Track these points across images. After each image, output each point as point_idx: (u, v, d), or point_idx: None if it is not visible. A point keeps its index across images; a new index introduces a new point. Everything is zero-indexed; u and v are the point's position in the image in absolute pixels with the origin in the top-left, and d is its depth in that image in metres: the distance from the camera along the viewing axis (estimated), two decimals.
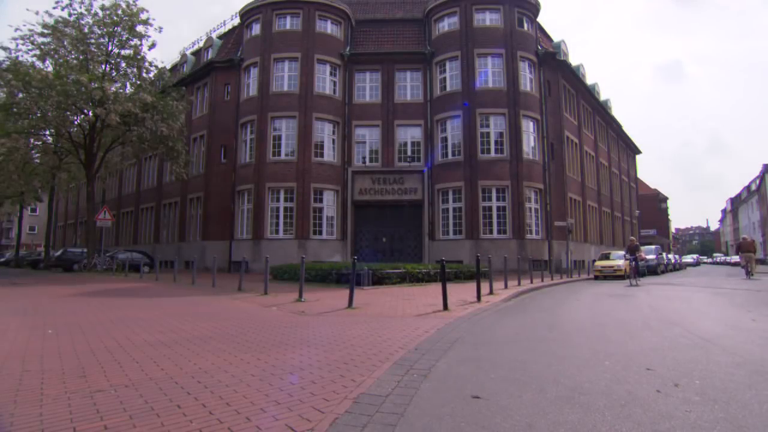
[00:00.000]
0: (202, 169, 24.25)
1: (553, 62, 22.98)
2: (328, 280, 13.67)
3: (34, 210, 53.17)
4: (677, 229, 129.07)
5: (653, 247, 27.35)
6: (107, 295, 10.91)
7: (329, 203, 21.61)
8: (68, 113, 20.55)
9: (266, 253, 14.62)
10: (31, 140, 23.24)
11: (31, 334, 5.41)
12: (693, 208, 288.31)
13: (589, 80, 30.86)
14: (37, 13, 20.16)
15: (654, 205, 59.49)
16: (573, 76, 25.80)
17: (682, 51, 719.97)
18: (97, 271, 20.59)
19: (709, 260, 69.79)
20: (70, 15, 20.26)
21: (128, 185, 32.61)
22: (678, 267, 34.00)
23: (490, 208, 20.55)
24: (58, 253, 25.73)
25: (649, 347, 4.62)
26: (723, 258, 62.48)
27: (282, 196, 20.97)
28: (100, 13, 20.48)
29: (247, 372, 3.60)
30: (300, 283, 9.40)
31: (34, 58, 20.23)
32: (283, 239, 20.53)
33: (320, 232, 21.22)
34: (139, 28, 21.26)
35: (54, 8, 20.15)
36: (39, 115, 19.71)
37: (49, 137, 23.55)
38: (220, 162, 23.20)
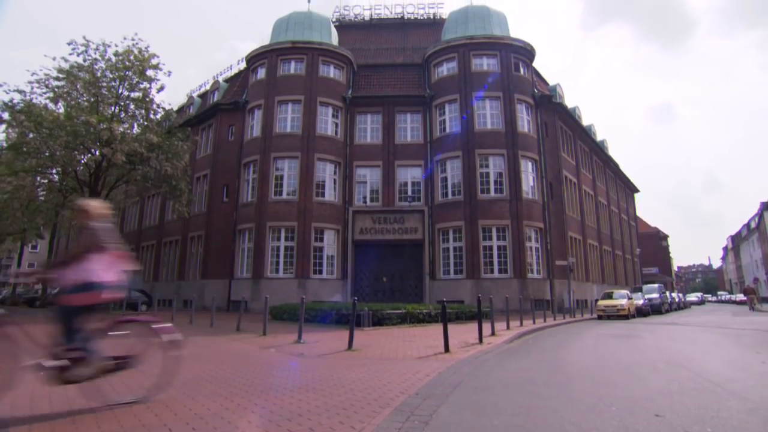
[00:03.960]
0: (204, 207, 24.44)
1: (549, 104, 23.65)
2: (328, 320, 13.49)
3: (34, 247, 52.98)
4: (680, 267, 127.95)
5: (656, 285, 27.09)
6: None
7: (330, 242, 21.61)
8: (76, 152, 20.95)
9: (266, 293, 14.49)
10: (38, 178, 23.56)
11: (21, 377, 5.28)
12: (694, 246, 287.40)
13: (585, 121, 31.57)
14: (54, 58, 20.98)
15: (655, 243, 59.29)
16: (569, 117, 26.47)
17: (672, 94, 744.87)
18: None
19: (714, 298, 68.87)
20: (84, 60, 21.08)
21: (130, 223, 32.75)
22: (682, 306, 33.51)
23: (490, 248, 20.52)
24: (56, 291, 25.44)
25: (656, 391, 4.50)
26: (728, 296, 61.70)
27: (283, 235, 21.01)
28: (113, 59, 21.32)
29: (243, 418, 3.50)
30: (299, 324, 9.26)
31: (47, 101, 20.86)
32: (283, 278, 20.39)
33: (320, 272, 21.09)
34: (149, 72, 22.01)
35: (70, 54, 21.02)
36: (47, 154, 20.09)
37: (55, 176, 23.88)
38: (222, 201, 23.42)
